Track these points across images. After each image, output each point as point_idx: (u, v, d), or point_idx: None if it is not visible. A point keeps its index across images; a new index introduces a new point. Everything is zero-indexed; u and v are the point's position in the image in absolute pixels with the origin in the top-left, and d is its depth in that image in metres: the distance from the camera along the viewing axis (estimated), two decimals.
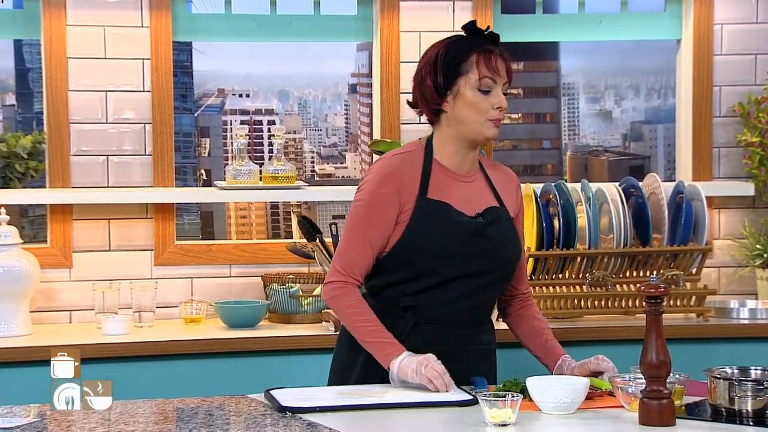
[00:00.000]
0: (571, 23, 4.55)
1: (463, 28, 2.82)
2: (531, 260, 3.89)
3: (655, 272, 4.01)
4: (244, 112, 5.73)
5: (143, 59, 4.18)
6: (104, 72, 4.17)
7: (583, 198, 3.96)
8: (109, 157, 4.19)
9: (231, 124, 5.64)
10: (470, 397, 2.54)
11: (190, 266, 4.22)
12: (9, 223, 3.86)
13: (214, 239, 4.88)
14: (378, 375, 2.73)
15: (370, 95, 4.55)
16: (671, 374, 2.38)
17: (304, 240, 4.08)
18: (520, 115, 6.19)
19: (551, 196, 4.00)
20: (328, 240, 4.02)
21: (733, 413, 2.38)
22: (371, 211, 2.76)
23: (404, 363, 2.65)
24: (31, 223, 4.63)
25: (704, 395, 2.49)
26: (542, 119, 6.24)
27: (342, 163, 5.91)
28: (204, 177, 5.46)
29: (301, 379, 3.54)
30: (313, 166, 5.91)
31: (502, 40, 2.81)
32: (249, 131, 4.81)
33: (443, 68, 2.76)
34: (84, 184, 4.16)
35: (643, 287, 2.37)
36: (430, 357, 2.64)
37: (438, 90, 2.77)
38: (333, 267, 2.80)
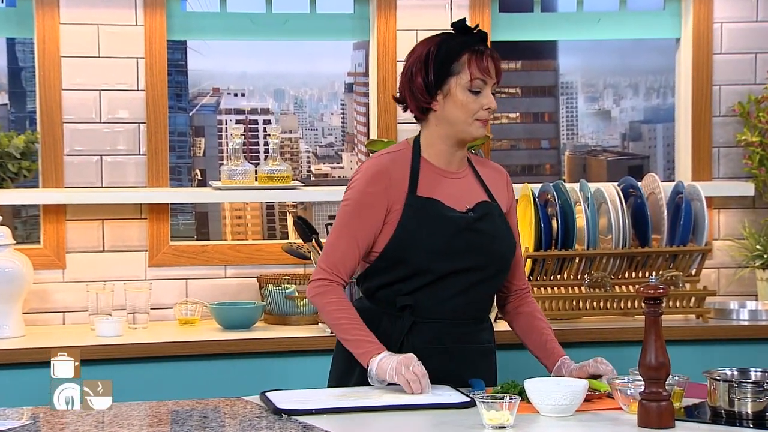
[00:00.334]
0: (569, 22, 4.52)
1: (453, 26, 2.81)
2: (529, 261, 3.87)
3: (654, 273, 4.00)
4: (239, 112, 5.71)
5: (137, 58, 4.16)
6: (98, 71, 4.15)
7: (582, 198, 3.94)
8: (103, 157, 4.17)
9: (226, 124, 5.62)
10: (468, 399, 2.53)
11: (184, 267, 4.20)
12: (2, 224, 3.85)
13: (209, 240, 4.88)
14: None
15: (366, 94, 4.53)
16: (670, 376, 2.38)
17: (300, 241, 4.06)
18: (518, 114, 6.18)
19: (549, 197, 3.98)
20: (324, 241, 4.00)
21: (733, 415, 2.37)
22: (360, 210, 2.76)
23: (383, 362, 2.64)
24: (24, 224, 4.61)
25: (704, 397, 2.49)
26: (540, 119, 6.22)
27: (338, 163, 5.89)
28: (199, 177, 5.44)
29: (297, 381, 3.54)
30: (309, 166, 5.90)
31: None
32: (244, 131, 4.77)
33: (434, 67, 2.75)
34: (77, 184, 4.14)
35: (642, 288, 2.38)
36: (412, 357, 2.63)
37: (428, 88, 2.76)
38: (319, 266, 2.81)
